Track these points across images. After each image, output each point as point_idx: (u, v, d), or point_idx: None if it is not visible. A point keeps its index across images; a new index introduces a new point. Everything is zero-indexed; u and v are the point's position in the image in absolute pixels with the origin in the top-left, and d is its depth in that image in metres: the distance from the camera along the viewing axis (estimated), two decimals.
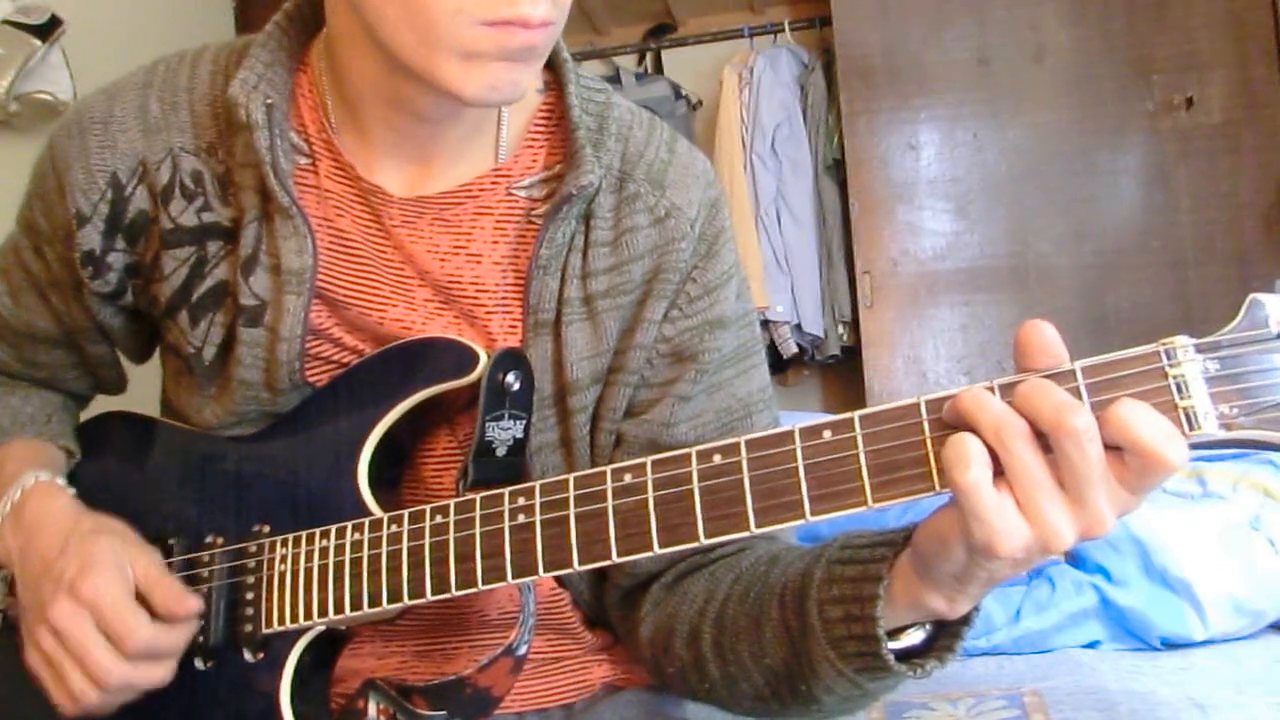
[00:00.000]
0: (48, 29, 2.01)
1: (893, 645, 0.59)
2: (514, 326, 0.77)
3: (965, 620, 0.59)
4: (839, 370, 3.28)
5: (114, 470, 0.85)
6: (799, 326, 3.09)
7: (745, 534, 0.56)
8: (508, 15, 0.63)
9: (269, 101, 0.73)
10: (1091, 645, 1.39)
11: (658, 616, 0.76)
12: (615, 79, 3.36)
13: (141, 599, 0.70)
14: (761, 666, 0.68)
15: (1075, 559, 1.46)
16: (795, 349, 3.11)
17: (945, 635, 0.60)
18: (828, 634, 0.61)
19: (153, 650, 0.69)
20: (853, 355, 3.06)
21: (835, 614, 0.61)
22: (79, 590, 0.67)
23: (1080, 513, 0.49)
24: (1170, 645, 1.36)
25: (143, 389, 0.95)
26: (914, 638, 0.60)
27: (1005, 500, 0.50)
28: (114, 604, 0.68)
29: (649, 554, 0.59)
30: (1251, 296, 0.48)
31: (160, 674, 0.70)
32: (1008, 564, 0.51)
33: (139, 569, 0.70)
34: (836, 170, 3.08)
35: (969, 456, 0.49)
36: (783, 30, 3.30)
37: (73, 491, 0.79)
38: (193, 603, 0.71)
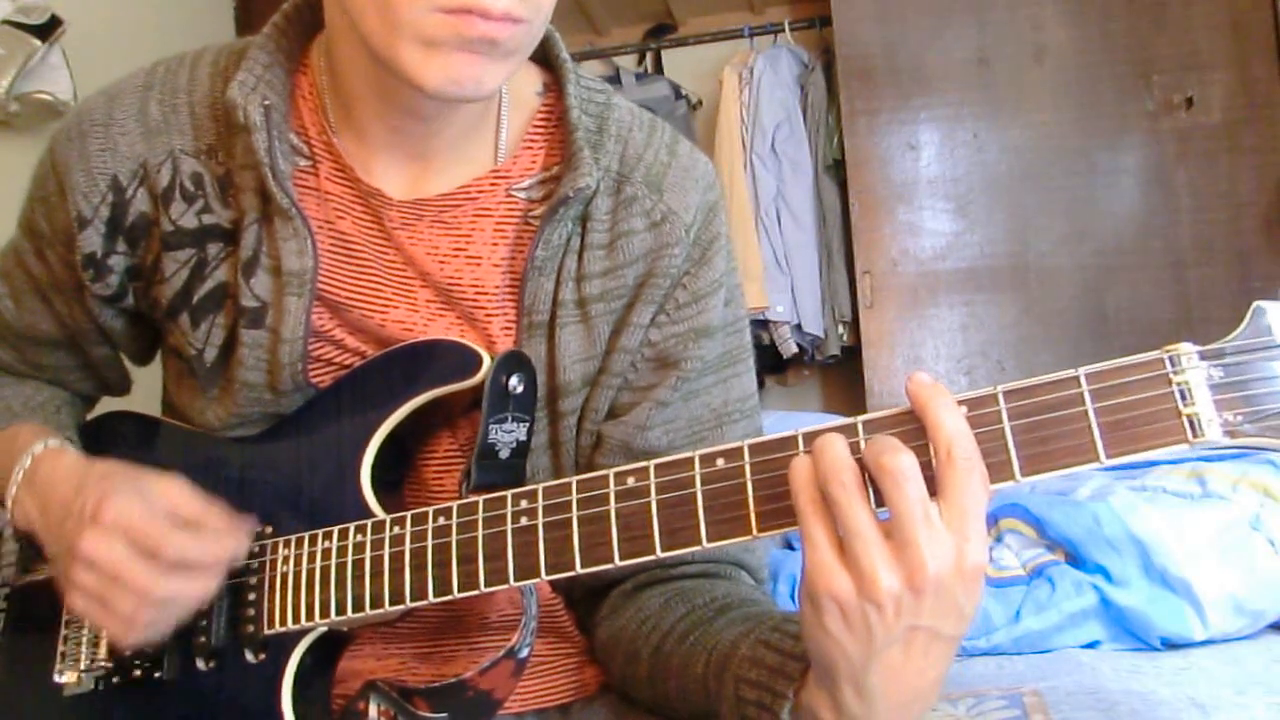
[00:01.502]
0: (48, 29, 2.01)
1: None
2: (509, 328, 0.77)
3: None
4: (839, 370, 3.28)
5: None
6: (799, 326, 3.08)
7: (748, 538, 0.56)
8: (465, 3, 0.62)
9: (267, 103, 0.73)
10: (1091, 645, 1.39)
11: (612, 625, 0.79)
12: (615, 79, 3.35)
13: (172, 519, 0.69)
14: (686, 704, 0.70)
15: (1075, 559, 1.46)
16: (795, 349, 3.11)
17: None
18: (739, 711, 0.63)
19: (189, 558, 0.68)
20: (853, 355, 3.06)
21: (748, 695, 0.62)
22: (102, 517, 0.67)
23: (901, 557, 0.50)
24: (1170, 645, 1.36)
25: (145, 390, 0.95)
26: None
27: (834, 537, 0.52)
28: (140, 519, 0.67)
29: (652, 557, 0.59)
30: (1256, 304, 0.48)
31: (204, 585, 0.69)
32: (838, 614, 0.52)
33: (160, 489, 0.69)
34: (836, 170, 3.08)
35: (800, 477, 0.53)
36: (783, 30, 3.30)
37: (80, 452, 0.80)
38: (220, 507, 0.71)
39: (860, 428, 0.54)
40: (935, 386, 0.52)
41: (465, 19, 0.62)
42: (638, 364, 0.78)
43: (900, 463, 0.50)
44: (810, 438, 0.55)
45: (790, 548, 1.62)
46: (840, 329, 3.08)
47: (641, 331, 0.77)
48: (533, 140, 0.79)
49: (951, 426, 0.51)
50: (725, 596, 0.75)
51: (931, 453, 0.51)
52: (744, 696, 0.62)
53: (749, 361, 0.83)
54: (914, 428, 0.53)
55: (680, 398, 0.78)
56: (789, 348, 3.09)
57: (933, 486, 0.51)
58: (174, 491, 0.70)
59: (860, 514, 0.51)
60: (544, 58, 0.81)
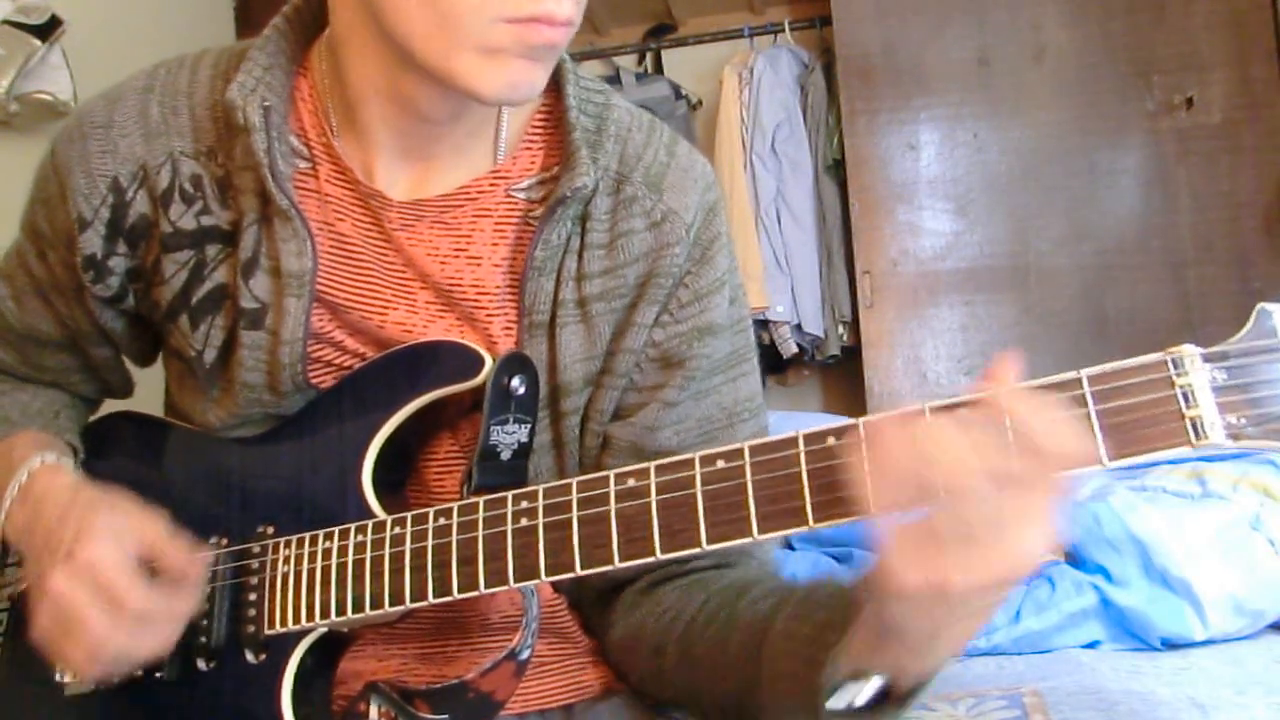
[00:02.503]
0: (48, 29, 2.01)
1: (840, 704, 0.59)
2: (510, 328, 0.77)
3: (922, 684, 0.58)
4: (839, 370, 3.28)
5: (119, 470, 0.84)
6: (799, 326, 3.08)
7: (748, 540, 0.56)
8: (533, 12, 0.63)
9: (266, 104, 0.73)
10: (1091, 645, 1.39)
11: (629, 623, 0.78)
12: (615, 79, 3.35)
13: (147, 566, 0.69)
14: (719, 691, 0.69)
15: (1075, 559, 1.46)
16: (795, 349, 3.11)
17: (897, 694, 0.59)
18: (773, 687, 0.63)
19: (149, 615, 0.68)
20: (853, 355, 3.06)
21: (785, 667, 0.62)
22: (75, 557, 0.67)
23: (981, 559, 0.49)
24: (1170, 645, 1.36)
25: (147, 391, 0.95)
26: (876, 684, 0.59)
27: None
28: (110, 569, 0.67)
29: (652, 558, 0.59)
30: (1260, 306, 0.48)
31: (161, 640, 0.69)
32: (909, 601, 0.51)
33: (140, 535, 0.69)
34: (836, 170, 3.08)
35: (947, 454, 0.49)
36: (783, 30, 3.30)
37: (78, 472, 0.80)
38: (198, 563, 0.71)
39: (862, 428, 0.53)
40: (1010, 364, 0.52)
41: (532, 27, 0.63)
42: (642, 364, 0.78)
43: (974, 484, 0.48)
44: (812, 439, 0.55)
45: (790, 548, 1.62)
46: (840, 329, 3.09)
47: (645, 332, 0.77)
48: (532, 140, 0.79)
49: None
50: (742, 578, 0.75)
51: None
52: (779, 669, 0.62)
53: (755, 361, 0.83)
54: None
55: (690, 397, 0.78)
56: (789, 348, 3.09)
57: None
58: (151, 536, 0.70)
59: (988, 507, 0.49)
60: None
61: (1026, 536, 0.49)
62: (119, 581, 0.67)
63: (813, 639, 0.61)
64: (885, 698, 0.59)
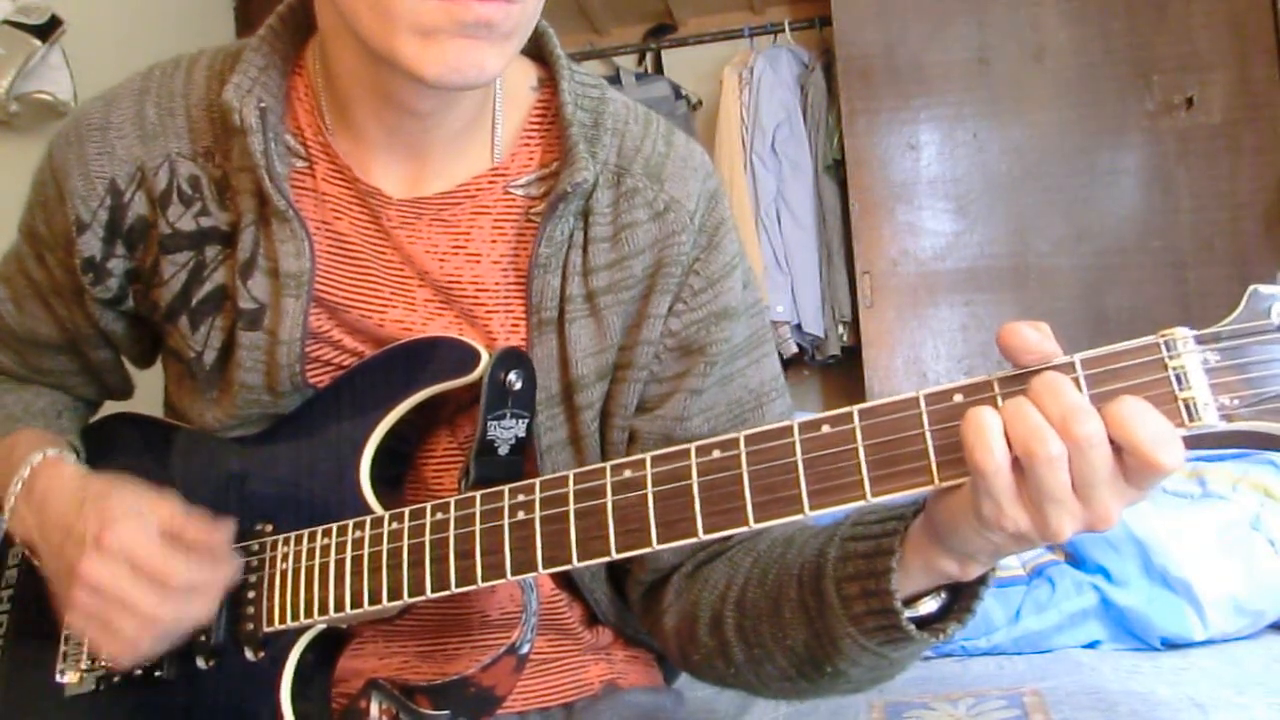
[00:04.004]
0: (48, 29, 2.01)
1: (911, 613, 0.60)
2: (516, 325, 0.77)
3: (982, 580, 0.60)
4: (839, 370, 3.28)
5: (119, 471, 0.84)
6: (799, 326, 3.08)
7: (744, 529, 0.57)
8: None
9: (262, 105, 0.73)
10: (1091, 645, 1.39)
11: (681, 606, 0.77)
12: (615, 79, 3.35)
13: (173, 541, 0.69)
14: (784, 647, 0.68)
15: (1075, 559, 1.46)
16: (795, 349, 3.11)
17: (963, 598, 0.61)
18: (846, 610, 0.62)
19: (195, 585, 0.69)
20: (853, 355, 3.06)
21: (852, 590, 0.62)
22: (105, 543, 0.67)
23: (1084, 512, 0.50)
24: (1170, 645, 1.36)
25: (147, 392, 0.95)
26: (930, 605, 0.62)
27: (1018, 491, 0.51)
28: (145, 547, 0.68)
29: (648, 549, 0.59)
30: (1252, 288, 0.48)
31: (206, 608, 0.70)
32: (1010, 540, 0.53)
33: (161, 513, 0.70)
34: (836, 170, 3.08)
35: (990, 441, 0.50)
36: (783, 30, 3.30)
37: (80, 464, 0.80)
38: (224, 531, 0.72)
39: (856, 416, 0.55)
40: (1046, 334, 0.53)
41: (460, 3, 0.62)
42: (661, 355, 0.77)
43: (1090, 429, 0.48)
44: (807, 426, 0.56)
45: None
46: (840, 329, 3.09)
47: (660, 322, 0.77)
48: (529, 137, 0.79)
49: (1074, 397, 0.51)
50: (784, 532, 0.74)
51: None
52: (847, 594, 0.62)
53: (773, 343, 0.84)
54: (913, 415, 0.53)
55: (716, 384, 0.78)
56: (789, 348, 3.09)
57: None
58: (171, 513, 0.70)
59: (1062, 483, 0.50)
60: (538, 53, 0.81)
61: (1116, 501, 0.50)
62: (158, 558, 0.68)
63: (872, 554, 0.61)
64: (946, 613, 0.61)
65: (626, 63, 3.53)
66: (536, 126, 0.79)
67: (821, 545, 0.66)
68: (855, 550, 0.62)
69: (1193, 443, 0.49)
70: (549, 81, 0.80)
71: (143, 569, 0.67)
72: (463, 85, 0.66)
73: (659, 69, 3.50)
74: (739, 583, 0.73)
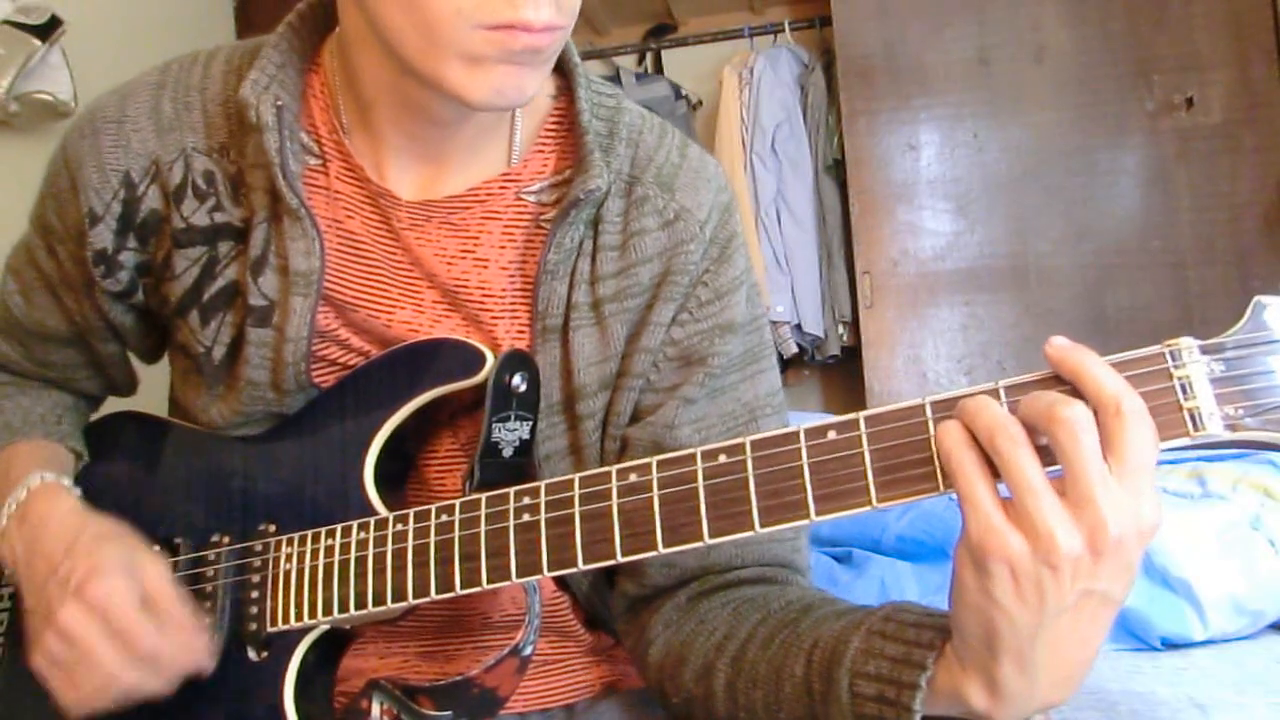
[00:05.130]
0: (48, 29, 2.00)
1: None
2: (521, 331, 0.77)
3: None
4: (839, 370, 3.28)
5: (122, 469, 0.85)
6: (799, 327, 3.09)
7: (749, 534, 0.57)
8: (509, 19, 0.62)
9: (279, 103, 0.73)
10: None
11: (670, 640, 0.74)
12: (615, 79, 3.35)
13: (148, 607, 0.69)
14: (778, 714, 0.65)
15: None
16: (795, 349, 3.11)
17: None
18: (854, 709, 0.59)
19: (158, 657, 0.68)
20: (853, 355, 3.06)
21: (868, 690, 0.58)
22: (86, 593, 0.67)
23: (1080, 515, 0.48)
24: (1170, 645, 1.36)
25: (151, 389, 0.95)
26: None
27: (998, 498, 0.50)
28: (122, 607, 0.67)
29: (654, 553, 0.59)
30: (1256, 299, 0.48)
31: (163, 684, 0.69)
32: (1008, 579, 0.49)
33: (148, 576, 0.69)
34: (836, 170, 3.08)
35: (953, 438, 0.51)
36: (783, 30, 3.30)
37: (79, 494, 0.79)
38: (199, 619, 0.71)
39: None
40: (1080, 348, 0.51)
41: (509, 33, 0.63)
42: (659, 364, 0.77)
43: (1076, 413, 0.48)
44: (813, 432, 0.56)
45: None
46: (840, 329, 3.09)
47: (663, 330, 0.76)
48: (544, 144, 0.79)
49: (1115, 381, 0.49)
50: (802, 598, 0.71)
51: (1097, 411, 0.49)
52: (861, 693, 0.58)
53: (773, 359, 0.82)
54: (918, 421, 0.53)
55: (707, 395, 0.77)
56: (789, 348, 3.10)
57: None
58: (158, 578, 0.70)
59: (1033, 468, 0.49)
60: (556, 63, 0.81)
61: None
62: (132, 621, 0.67)
63: (900, 661, 0.57)
64: None
65: (626, 63, 3.53)
66: (551, 134, 0.79)
67: (845, 630, 0.61)
68: (883, 650, 0.58)
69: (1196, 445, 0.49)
70: (566, 90, 0.80)
71: (116, 629, 0.67)
72: (504, 107, 0.68)
73: (659, 69, 3.50)
74: (740, 637, 0.69)
